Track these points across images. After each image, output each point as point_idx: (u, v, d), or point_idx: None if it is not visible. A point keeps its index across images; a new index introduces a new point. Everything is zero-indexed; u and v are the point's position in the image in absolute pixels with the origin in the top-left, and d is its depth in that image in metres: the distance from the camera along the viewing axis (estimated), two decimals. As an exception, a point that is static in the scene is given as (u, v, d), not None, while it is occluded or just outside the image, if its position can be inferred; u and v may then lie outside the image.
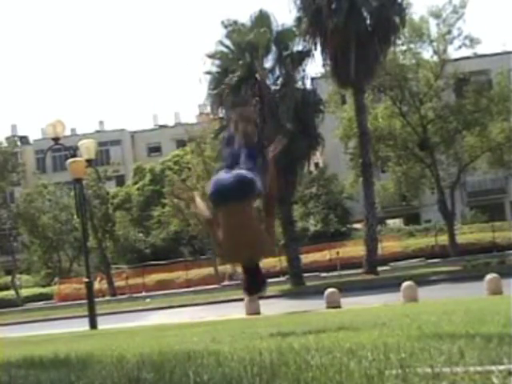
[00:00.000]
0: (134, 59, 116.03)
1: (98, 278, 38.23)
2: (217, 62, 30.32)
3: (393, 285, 19.29)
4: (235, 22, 30.13)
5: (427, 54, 35.33)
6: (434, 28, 34.46)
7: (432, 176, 35.73)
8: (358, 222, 39.44)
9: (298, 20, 30.12)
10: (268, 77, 29.97)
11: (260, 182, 4.97)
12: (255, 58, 28.79)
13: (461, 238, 36.56)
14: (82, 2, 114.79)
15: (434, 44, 34.65)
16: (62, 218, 47.91)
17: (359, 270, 30.69)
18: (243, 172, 4.96)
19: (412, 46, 34.60)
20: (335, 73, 30.58)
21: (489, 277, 15.53)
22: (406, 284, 16.05)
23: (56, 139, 19.88)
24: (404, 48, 34.57)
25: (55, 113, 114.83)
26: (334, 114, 35.73)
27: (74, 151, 21.43)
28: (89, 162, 20.31)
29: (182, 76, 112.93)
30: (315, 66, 42.95)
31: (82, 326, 17.88)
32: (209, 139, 35.89)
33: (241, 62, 28.75)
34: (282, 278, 32.73)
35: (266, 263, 39.02)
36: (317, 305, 17.55)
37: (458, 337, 3.50)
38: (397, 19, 29.65)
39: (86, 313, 18.39)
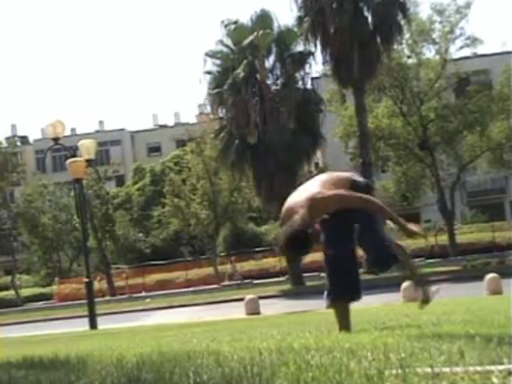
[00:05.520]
0: (134, 59, 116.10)
1: (98, 278, 38.20)
2: (217, 61, 30.30)
3: (393, 285, 19.26)
4: (236, 22, 30.12)
5: (429, 53, 35.29)
6: (437, 27, 34.37)
7: (432, 176, 35.68)
8: (358, 221, 39.32)
9: (299, 19, 30.06)
10: (268, 77, 29.98)
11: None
12: (256, 57, 28.77)
13: (460, 238, 36.48)
14: (81, 2, 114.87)
15: (437, 43, 34.55)
16: (62, 218, 47.87)
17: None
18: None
19: (415, 45, 34.49)
20: (336, 72, 30.48)
21: (488, 277, 15.54)
22: (406, 284, 16.04)
23: (56, 139, 19.88)
24: (406, 47, 34.49)
25: (55, 113, 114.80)
26: (335, 114, 35.64)
27: (73, 151, 21.45)
28: (89, 161, 20.31)
29: (182, 76, 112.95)
30: (316, 65, 42.86)
31: (82, 326, 17.88)
32: (209, 139, 35.86)
33: (242, 62, 28.72)
34: (281, 278, 32.71)
35: (266, 263, 39.15)
36: (317, 305, 17.49)
37: (457, 337, 3.50)
38: (400, 19, 29.63)
39: (86, 313, 18.39)
